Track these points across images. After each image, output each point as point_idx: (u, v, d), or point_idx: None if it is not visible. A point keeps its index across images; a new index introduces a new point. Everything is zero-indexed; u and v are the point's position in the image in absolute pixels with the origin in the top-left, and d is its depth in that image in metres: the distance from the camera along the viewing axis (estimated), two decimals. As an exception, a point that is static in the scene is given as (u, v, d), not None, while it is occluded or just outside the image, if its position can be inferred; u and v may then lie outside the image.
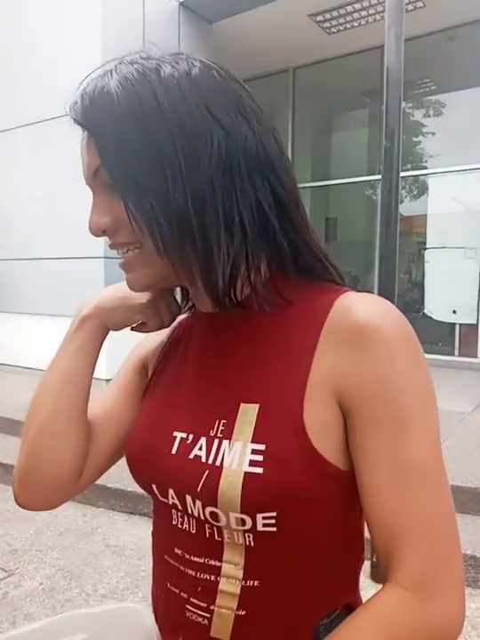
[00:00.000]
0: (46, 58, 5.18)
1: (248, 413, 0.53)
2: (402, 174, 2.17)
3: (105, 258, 4.83)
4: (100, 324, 0.64)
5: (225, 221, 0.51)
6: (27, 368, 5.58)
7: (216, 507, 0.52)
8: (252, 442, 0.51)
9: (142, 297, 0.63)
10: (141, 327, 0.66)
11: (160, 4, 5.22)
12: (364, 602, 0.50)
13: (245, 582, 0.53)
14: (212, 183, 0.50)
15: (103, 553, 2.58)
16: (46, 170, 5.21)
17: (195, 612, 0.56)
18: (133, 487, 0.63)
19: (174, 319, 0.66)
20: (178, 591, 0.58)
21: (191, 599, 0.56)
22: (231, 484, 0.50)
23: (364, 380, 0.50)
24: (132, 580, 2.33)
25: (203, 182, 0.49)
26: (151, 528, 0.66)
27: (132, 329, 0.67)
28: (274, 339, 0.56)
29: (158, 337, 0.71)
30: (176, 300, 0.66)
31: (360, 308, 0.52)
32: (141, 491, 0.62)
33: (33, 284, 5.54)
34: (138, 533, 2.72)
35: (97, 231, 0.56)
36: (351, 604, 0.59)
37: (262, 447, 0.50)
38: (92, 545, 2.65)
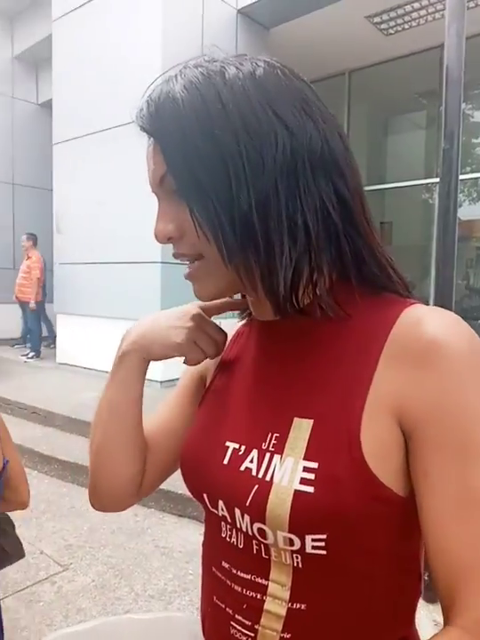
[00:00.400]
0: (109, 68, 5.36)
1: (301, 429, 0.51)
2: (461, 177, 2.09)
3: (162, 263, 4.93)
4: (139, 359, 0.64)
5: (288, 224, 0.49)
6: (85, 368, 5.78)
7: (264, 523, 0.50)
8: (304, 459, 0.49)
9: (179, 335, 0.61)
10: (186, 361, 0.65)
11: (218, 11, 5.30)
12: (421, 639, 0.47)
13: (292, 604, 0.51)
14: (276, 185, 0.49)
15: (153, 554, 2.62)
16: (109, 176, 5.38)
17: (239, 630, 0.55)
18: (183, 490, 0.65)
19: (221, 348, 0.65)
20: (224, 606, 0.57)
21: (236, 616, 0.55)
22: (280, 502, 0.48)
23: (429, 400, 0.46)
24: (180, 583, 2.35)
25: (267, 184, 0.48)
26: (200, 532, 0.66)
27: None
28: (333, 351, 0.54)
29: None
30: (219, 329, 0.65)
31: (427, 322, 0.48)
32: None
33: (93, 288, 5.73)
34: (186, 536, 2.75)
35: (162, 238, 0.55)
36: (406, 639, 0.56)
37: (314, 465, 0.48)
38: (142, 545, 2.70)
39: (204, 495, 0.58)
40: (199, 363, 0.64)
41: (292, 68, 0.53)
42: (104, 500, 0.69)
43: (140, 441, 0.67)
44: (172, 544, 2.69)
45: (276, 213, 0.49)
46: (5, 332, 7.77)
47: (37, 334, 7.02)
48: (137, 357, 0.64)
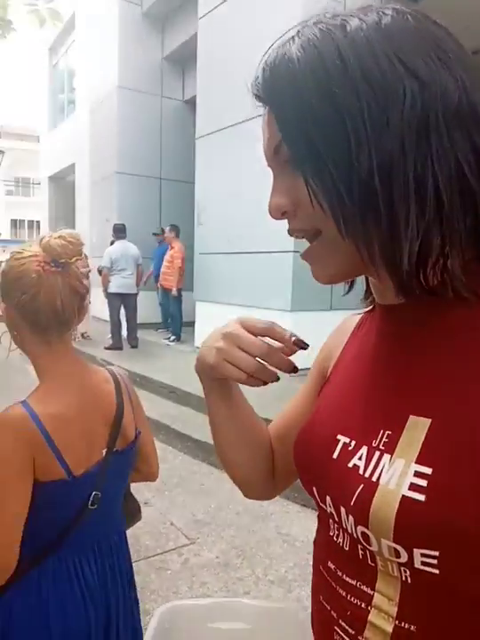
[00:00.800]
0: (248, 59, 5.42)
1: (417, 428, 0.45)
2: None
3: (294, 252, 4.93)
4: (208, 378, 0.64)
5: (416, 189, 0.43)
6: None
7: (367, 527, 0.46)
8: (417, 462, 0.43)
9: (211, 355, 0.59)
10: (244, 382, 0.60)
11: (362, -12, 5.09)
12: None
13: (399, 623, 0.46)
14: (402, 145, 0.43)
15: (275, 540, 2.64)
16: (246, 168, 5.51)
17: (342, 638, 0.51)
18: None
19: (275, 361, 0.57)
20: (329, 608, 0.54)
21: (340, 621, 0.51)
22: (385, 506, 0.44)
23: None
24: (301, 572, 2.35)
25: (391, 145, 0.43)
26: None
27: None
28: (462, 342, 0.47)
29: (342, 333, 0.67)
30: (261, 345, 0.56)
31: None
32: None
33: (229, 277, 5.94)
34: (309, 527, 2.73)
35: (276, 213, 0.52)
36: None
37: (428, 471, 0.42)
38: (265, 530, 2.74)
39: (314, 489, 0.55)
40: (253, 383, 0.58)
41: (425, 13, 0.47)
42: (245, 491, 0.73)
43: (250, 446, 0.68)
44: (294, 533, 2.69)
45: (401, 177, 0.43)
46: (150, 317, 8.38)
47: (179, 319, 7.47)
48: (205, 377, 0.64)
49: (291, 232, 0.53)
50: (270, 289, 5.26)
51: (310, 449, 0.56)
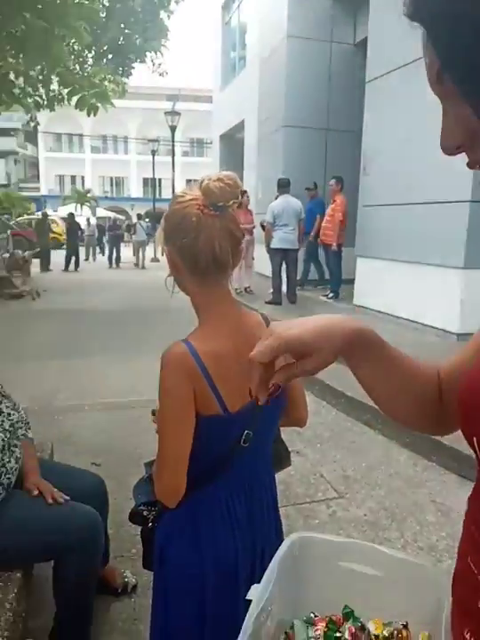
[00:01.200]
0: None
1: None
2: None
3: (471, 202, 4.45)
4: None
5: None
6: (379, 312, 5.79)
7: None
8: None
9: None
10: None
11: None
12: None
13: None
14: None
15: (428, 507, 2.52)
16: (418, 112, 5.06)
17: None
18: (471, 451, 0.60)
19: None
20: (476, 572, 0.49)
21: None
22: None
23: None
24: (454, 544, 2.19)
25: None
26: None
27: None
28: None
29: None
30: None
31: None
32: None
33: (394, 230, 5.60)
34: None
35: (450, 149, 0.47)
36: None
37: None
38: (418, 496, 2.63)
39: (474, 440, 0.50)
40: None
41: None
42: (415, 429, 0.73)
43: (404, 400, 0.66)
44: (450, 503, 2.54)
45: None
46: (311, 274, 8.37)
47: (338, 276, 7.33)
48: None
49: (471, 165, 0.47)
50: (441, 243, 4.85)
51: (474, 395, 0.50)
